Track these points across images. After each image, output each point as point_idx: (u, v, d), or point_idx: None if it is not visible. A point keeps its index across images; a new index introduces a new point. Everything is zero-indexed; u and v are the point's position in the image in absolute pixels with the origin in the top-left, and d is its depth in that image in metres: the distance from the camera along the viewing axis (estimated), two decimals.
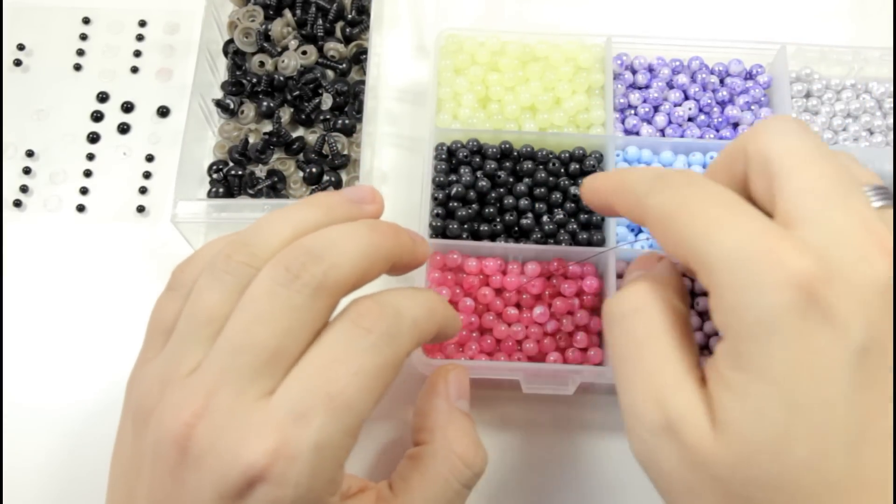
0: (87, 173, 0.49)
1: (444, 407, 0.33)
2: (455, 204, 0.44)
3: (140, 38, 0.53)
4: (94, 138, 0.50)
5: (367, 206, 0.31)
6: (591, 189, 0.30)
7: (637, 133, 0.48)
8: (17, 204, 0.48)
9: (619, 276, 0.42)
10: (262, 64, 0.49)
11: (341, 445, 0.26)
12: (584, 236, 0.43)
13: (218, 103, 0.48)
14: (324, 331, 0.27)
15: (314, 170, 0.46)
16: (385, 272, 0.30)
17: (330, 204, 0.30)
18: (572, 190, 0.44)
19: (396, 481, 0.31)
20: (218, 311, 0.26)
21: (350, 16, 0.50)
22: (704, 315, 0.43)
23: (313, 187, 0.46)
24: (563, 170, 0.45)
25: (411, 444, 0.34)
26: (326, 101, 0.48)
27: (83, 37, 0.53)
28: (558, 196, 0.44)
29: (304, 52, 0.49)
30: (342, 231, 0.28)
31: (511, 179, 0.45)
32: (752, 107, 0.48)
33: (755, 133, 0.26)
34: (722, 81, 0.49)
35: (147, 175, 0.49)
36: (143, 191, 0.49)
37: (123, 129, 0.50)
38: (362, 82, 0.48)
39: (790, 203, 0.24)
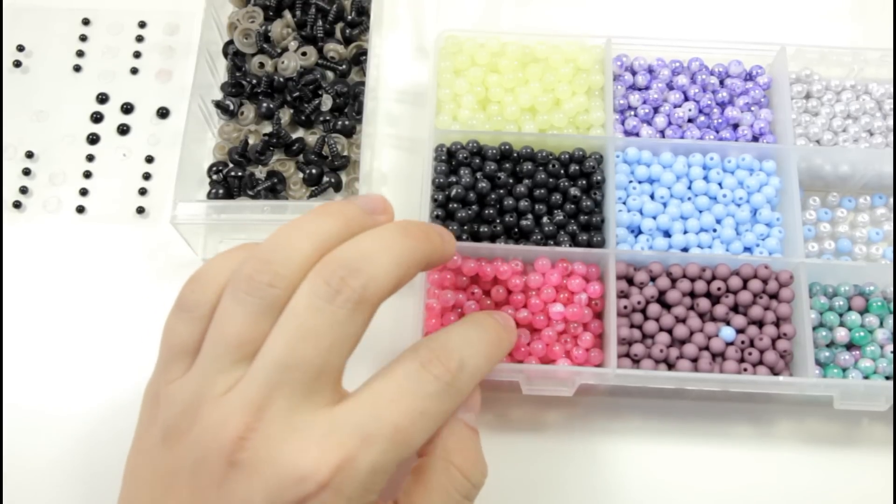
0: (87, 174, 0.49)
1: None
2: (455, 205, 0.44)
3: (140, 39, 0.53)
4: (93, 139, 0.50)
5: (380, 216, 0.31)
6: None
7: (637, 134, 0.47)
8: (17, 205, 0.48)
9: (620, 278, 0.42)
10: (261, 65, 0.49)
11: (389, 472, 0.27)
12: (584, 238, 0.43)
13: (218, 104, 0.48)
14: (394, 364, 0.29)
15: (314, 171, 0.46)
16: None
17: (346, 214, 0.29)
18: (572, 191, 0.44)
19: (402, 499, 0.31)
20: (247, 336, 0.27)
21: (350, 17, 0.50)
22: (704, 316, 0.43)
23: (313, 188, 0.46)
24: (562, 171, 0.45)
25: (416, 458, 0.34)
26: (326, 103, 0.47)
27: (83, 38, 0.53)
28: (558, 197, 0.44)
29: (304, 54, 0.49)
30: (375, 240, 0.28)
31: (511, 181, 0.45)
32: (752, 108, 0.48)
33: None
34: (722, 82, 0.49)
35: (147, 176, 0.49)
36: (142, 192, 0.49)
37: (123, 130, 0.50)
38: (362, 83, 0.48)
39: None
